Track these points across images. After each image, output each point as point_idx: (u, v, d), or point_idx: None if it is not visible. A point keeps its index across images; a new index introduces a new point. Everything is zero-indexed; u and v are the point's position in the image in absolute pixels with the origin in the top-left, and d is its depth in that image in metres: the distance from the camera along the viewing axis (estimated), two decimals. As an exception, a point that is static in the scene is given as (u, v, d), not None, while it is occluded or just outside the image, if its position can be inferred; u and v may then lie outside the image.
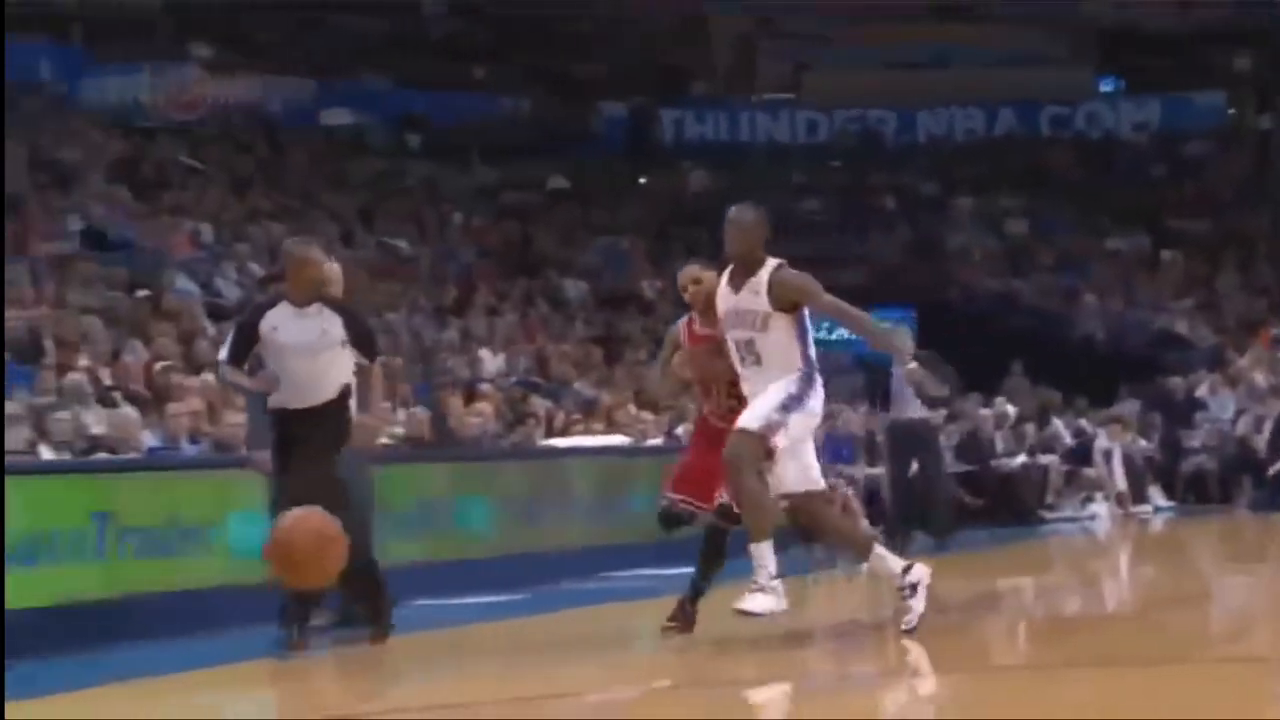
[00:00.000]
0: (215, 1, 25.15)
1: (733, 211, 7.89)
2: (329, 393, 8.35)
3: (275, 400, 8.41)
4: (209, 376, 12.79)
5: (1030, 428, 19.68)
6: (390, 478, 10.47)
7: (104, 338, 14.11)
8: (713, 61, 30.41)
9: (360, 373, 8.45)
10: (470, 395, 15.90)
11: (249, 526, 10.01)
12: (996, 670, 7.36)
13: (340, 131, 25.92)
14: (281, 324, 8.36)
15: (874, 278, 24.81)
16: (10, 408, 11.07)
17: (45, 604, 8.95)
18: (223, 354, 9.08)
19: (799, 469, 7.59)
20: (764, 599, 7.40)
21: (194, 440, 11.71)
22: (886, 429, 15.43)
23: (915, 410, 14.65)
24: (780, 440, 7.48)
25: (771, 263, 7.74)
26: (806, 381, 7.63)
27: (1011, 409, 19.78)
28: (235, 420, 11.66)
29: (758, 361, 7.62)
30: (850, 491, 16.22)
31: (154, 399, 12.55)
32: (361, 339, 8.46)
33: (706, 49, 30.29)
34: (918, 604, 7.57)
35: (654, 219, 26.78)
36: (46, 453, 10.34)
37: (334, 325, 8.36)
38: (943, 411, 16.74)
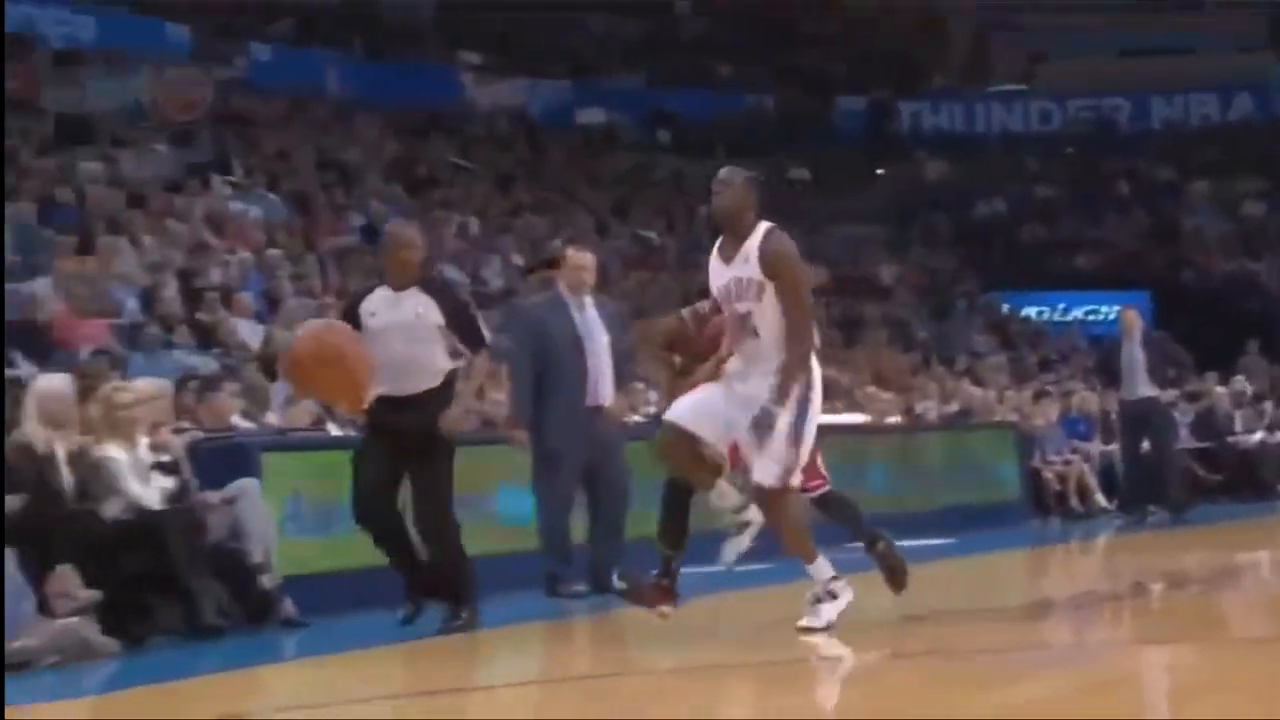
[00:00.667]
0: (481, 10, 25.64)
1: (723, 172, 7.11)
2: (429, 380, 7.71)
3: (376, 387, 7.75)
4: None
5: (1269, 405, 19.07)
6: (641, 453, 10.53)
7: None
8: (949, 55, 30.03)
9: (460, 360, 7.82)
10: (718, 376, 15.94)
11: (514, 498, 10.24)
12: (1235, 641, 7.16)
13: (595, 130, 26.21)
14: (378, 308, 7.76)
15: (1110, 263, 24.30)
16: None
17: (332, 569, 9.16)
18: None
19: (782, 467, 6.96)
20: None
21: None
22: (1119, 407, 15.19)
23: (1145, 389, 14.38)
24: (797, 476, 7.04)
25: (762, 227, 6.97)
26: (805, 379, 6.96)
27: (1249, 387, 19.20)
28: (499, 398, 11.91)
29: (755, 335, 6.88)
30: (1086, 468, 16.00)
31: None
32: (461, 324, 7.82)
33: (943, 43, 29.94)
34: (827, 611, 7.09)
35: (891, 207, 26.55)
36: (334, 430, 10.62)
37: (430, 308, 7.71)
38: (1173, 391, 16.38)
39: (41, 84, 18.18)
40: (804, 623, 7.09)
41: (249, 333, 13.32)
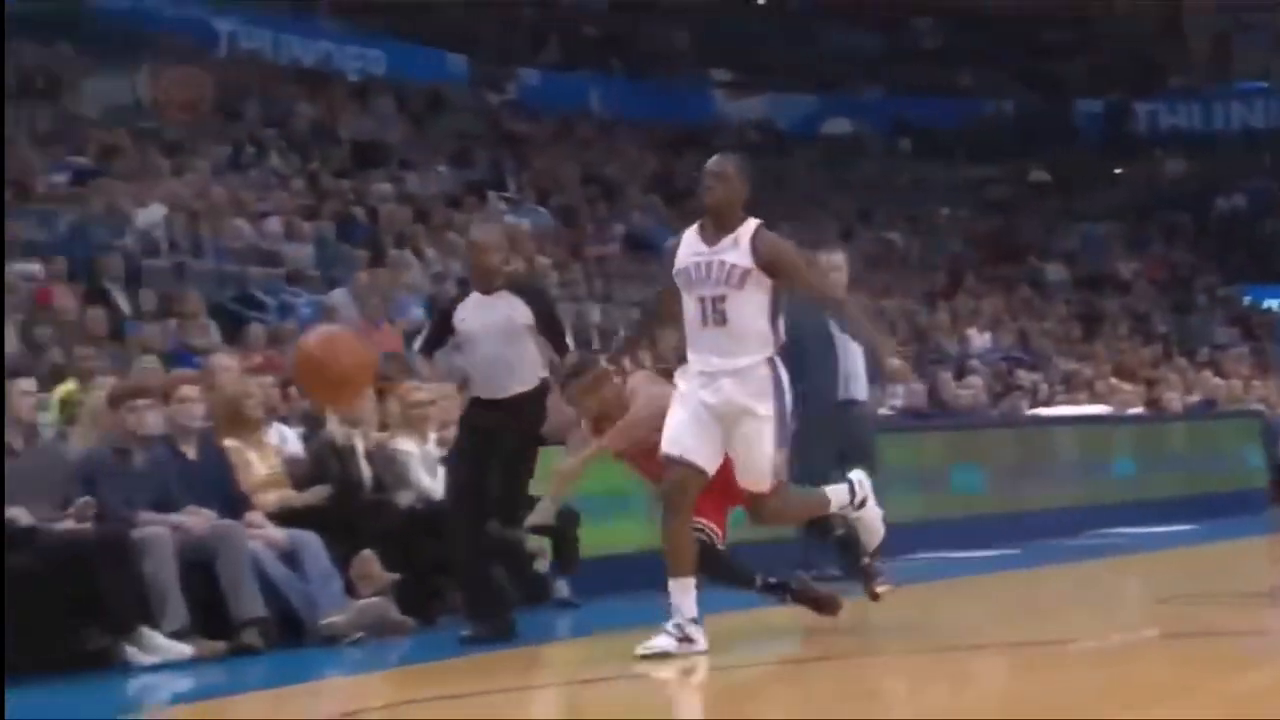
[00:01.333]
0: (731, 30, 25.74)
1: (713, 161, 6.42)
2: (524, 383, 7.24)
3: (471, 390, 7.53)
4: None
5: None
6: (891, 444, 10.50)
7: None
8: (1188, 54, 29.08)
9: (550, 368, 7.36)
10: (961, 370, 15.78)
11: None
12: None
13: (839, 139, 26.10)
14: (469, 313, 7.30)
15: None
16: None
17: (601, 553, 9.21)
18: (416, 343, 8.10)
19: (771, 470, 6.34)
20: (665, 640, 6.27)
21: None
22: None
23: None
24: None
25: (753, 221, 6.31)
26: (778, 380, 6.31)
27: None
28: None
29: (722, 322, 6.20)
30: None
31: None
32: (549, 326, 7.34)
33: (1182, 43, 29.00)
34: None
35: (1130, 206, 25.83)
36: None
37: (519, 310, 7.21)
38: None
39: (339, 112, 18.85)
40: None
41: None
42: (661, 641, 6.22)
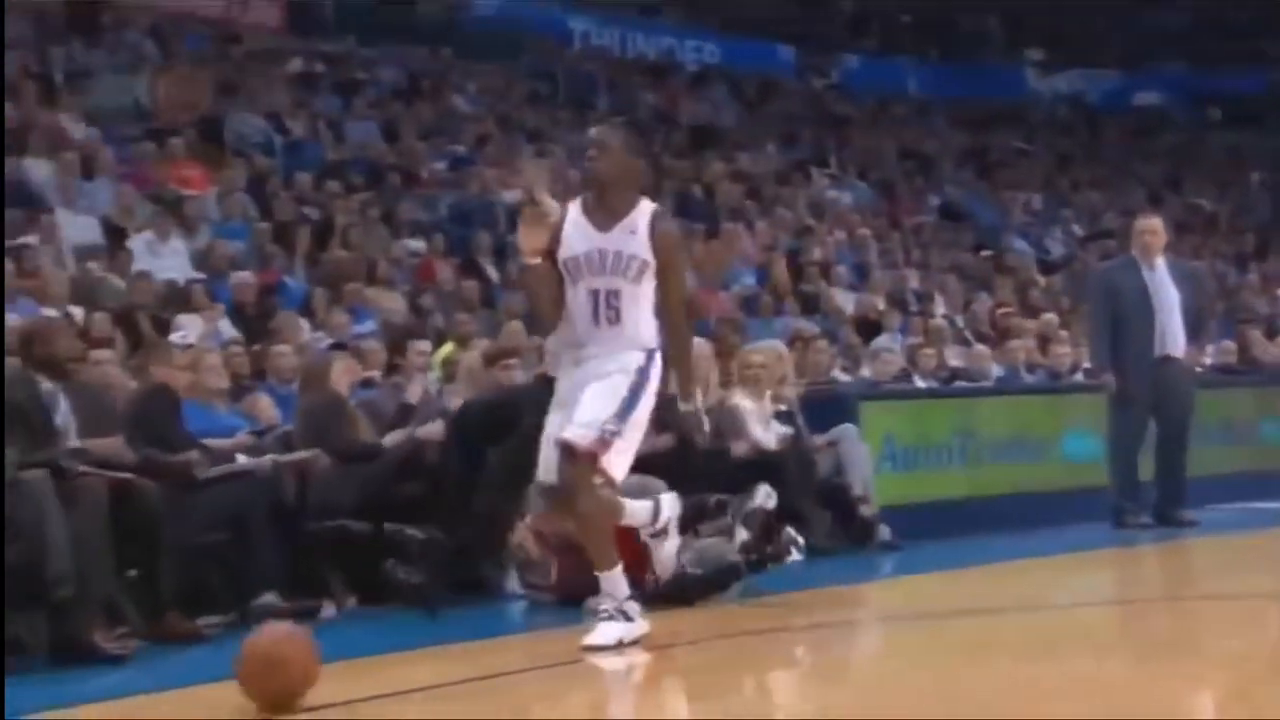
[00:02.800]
0: (1042, 11, 24.82)
1: (595, 132, 5.24)
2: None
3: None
4: (1046, 318, 12.80)
5: None
6: (1203, 399, 9.95)
7: (957, 290, 14.35)
8: None
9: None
10: (1270, 329, 14.85)
11: (1081, 440, 9.92)
12: None
13: (1148, 111, 24.88)
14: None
15: None
16: (886, 343, 11.49)
17: (921, 501, 9.18)
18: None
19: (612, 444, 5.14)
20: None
21: (1030, 370, 11.66)
22: None
23: None
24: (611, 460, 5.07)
25: (648, 205, 5.12)
26: (649, 371, 5.09)
27: None
28: (1062, 351, 11.57)
29: (617, 320, 5.02)
30: None
31: (998, 337, 12.61)
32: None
33: None
34: (611, 630, 5.08)
35: None
36: (919, 382, 10.60)
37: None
38: None
39: (679, 100, 18.99)
40: (589, 641, 5.12)
41: (844, 300, 13.49)
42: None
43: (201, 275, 10.32)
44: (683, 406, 5.36)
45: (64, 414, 5.84)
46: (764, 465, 7.99)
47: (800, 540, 7.37)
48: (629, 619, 5.10)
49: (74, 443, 5.81)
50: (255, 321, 9.74)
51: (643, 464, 7.59)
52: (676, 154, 16.73)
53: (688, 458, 7.85)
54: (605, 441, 4.99)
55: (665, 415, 7.88)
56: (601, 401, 4.99)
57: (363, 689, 4.63)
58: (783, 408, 8.39)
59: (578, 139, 16.30)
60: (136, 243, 10.56)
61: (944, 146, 20.34)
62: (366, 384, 8.10)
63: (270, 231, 11.45)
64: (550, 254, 5.07)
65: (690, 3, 22.75)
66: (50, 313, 8.78)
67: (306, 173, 12.74)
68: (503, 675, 4.88)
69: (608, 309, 4.99)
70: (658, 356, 5.11)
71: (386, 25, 17.71)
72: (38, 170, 11.11)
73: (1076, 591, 7.22)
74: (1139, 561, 8.29)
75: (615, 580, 5.10)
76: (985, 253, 16.03)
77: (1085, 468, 9.68)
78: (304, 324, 9.72)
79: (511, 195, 13.79)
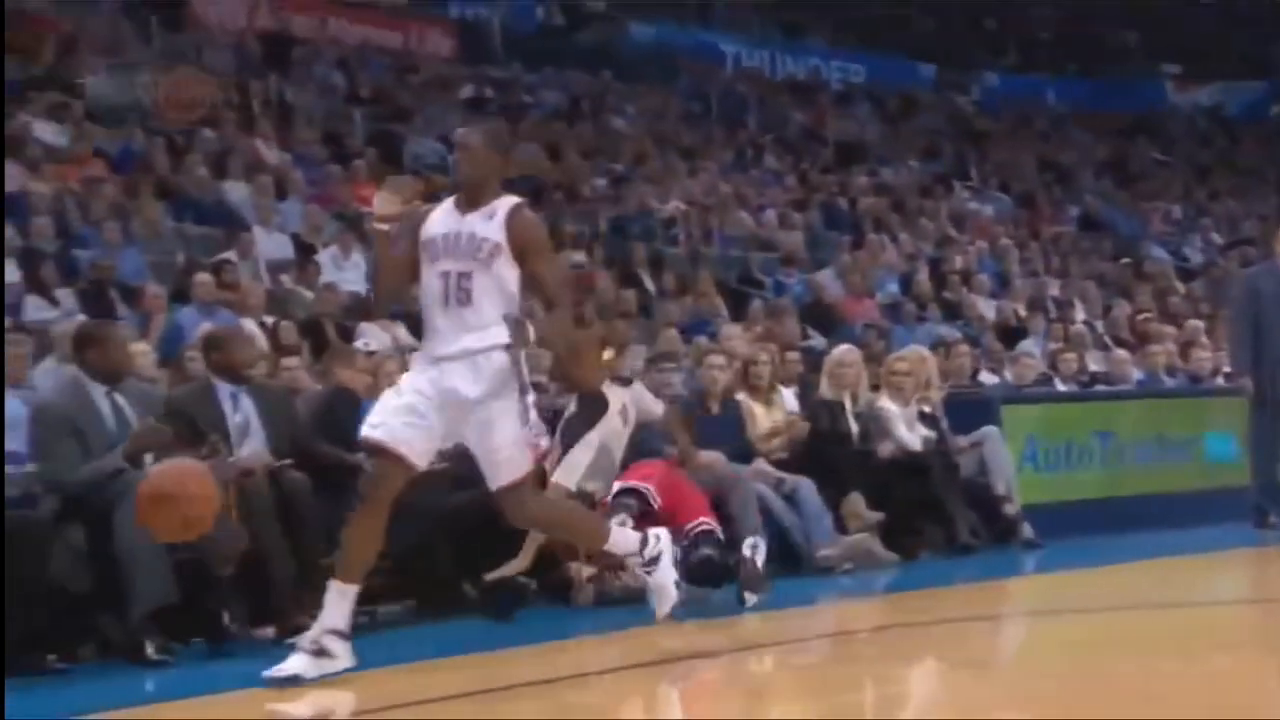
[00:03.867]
0: (1178, 26, 24.12)
1: (460, 134, 5.08)
2: None
3: None
4: (1190, 324, 12.45)
5: None
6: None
7: (1096, 297, 14.02)
8: None
9: None
10: None
11: (1220, 442, 9.61)
12: None
13: (1284, 121, 24.01)
14: None
15: None
16: (1028, 348, 11.25)
17: (1059, 500, 8.98)
18: None
19: (523, 455, 4.78)
20: (300, 660, 4.59)
21: (1170, 374, 11.33)
22: None
23: None
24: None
25: (512, 198, 4.88)
26: (517, 371, 4.71)
27: None
28: (1203, 356, 11.22)
29: (466, 301, 4.71)
30: None
31: (1137, 342, 12.28)
32: None
33: None
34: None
35: None
36: (1060, 385, 10.37)
37: None
38: None
39: (826, 117, 18.87)
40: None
41: (986, 307, 13.27)
42: (293, 663, 4.56)
43: (381, 287, 10.53)
44: (579, 374, 4.99)
45: (245, 414, 5.98)
46: (909, 465, 7.92)
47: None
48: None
49: (255, 441, 5.93)
50: (430, 329, 9.90)
51: (795, 462, 7.58)
52: (823, 169, 16.62)
53: (838, 456, 7.80)
54: (529, 458, 4.74)
55: (815, 413, 7.89)
56: (497, 436, 4.68)
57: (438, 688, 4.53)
58: (926, 409, 8.27)
59: (730, 156, 16.33)
60: (323, 257, 10.83)
61: (1083, 158, 19.87)
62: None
63: (444, 246, 11.63)
64: (412, 244, 4.83)
65: (836, 25, 22.61)
66: (248, 322, 9.08)
67: (476, 191, 12.90)
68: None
69: (458, 290, 4.72)
70: (515, 354, 4.69)
71: (550, 52, 17.91)
72: (236, 192, 11.46)
73: (1215, 590, 7.00)
74: (1278, 561, 8.00)
75: (626, 540, 4.90)
76: (1124, 260, 15.63)
77: (1225, 468, 9.39)
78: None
79: (668, 210, 13.87)
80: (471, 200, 4.81)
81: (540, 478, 5.25)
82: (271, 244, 10.90)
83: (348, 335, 9.37)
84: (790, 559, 7.27)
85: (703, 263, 12.97)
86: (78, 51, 13.02)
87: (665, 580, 4.92)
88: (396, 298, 4.99)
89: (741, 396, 7.70)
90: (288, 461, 5.91)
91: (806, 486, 7.42)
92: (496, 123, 6.06)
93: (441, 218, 4.82)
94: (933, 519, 7.94)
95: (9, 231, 9.49)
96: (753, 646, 5.58)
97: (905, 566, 7.48)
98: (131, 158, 11.47)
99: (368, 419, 4.76)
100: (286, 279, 10.44)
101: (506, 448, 4.67)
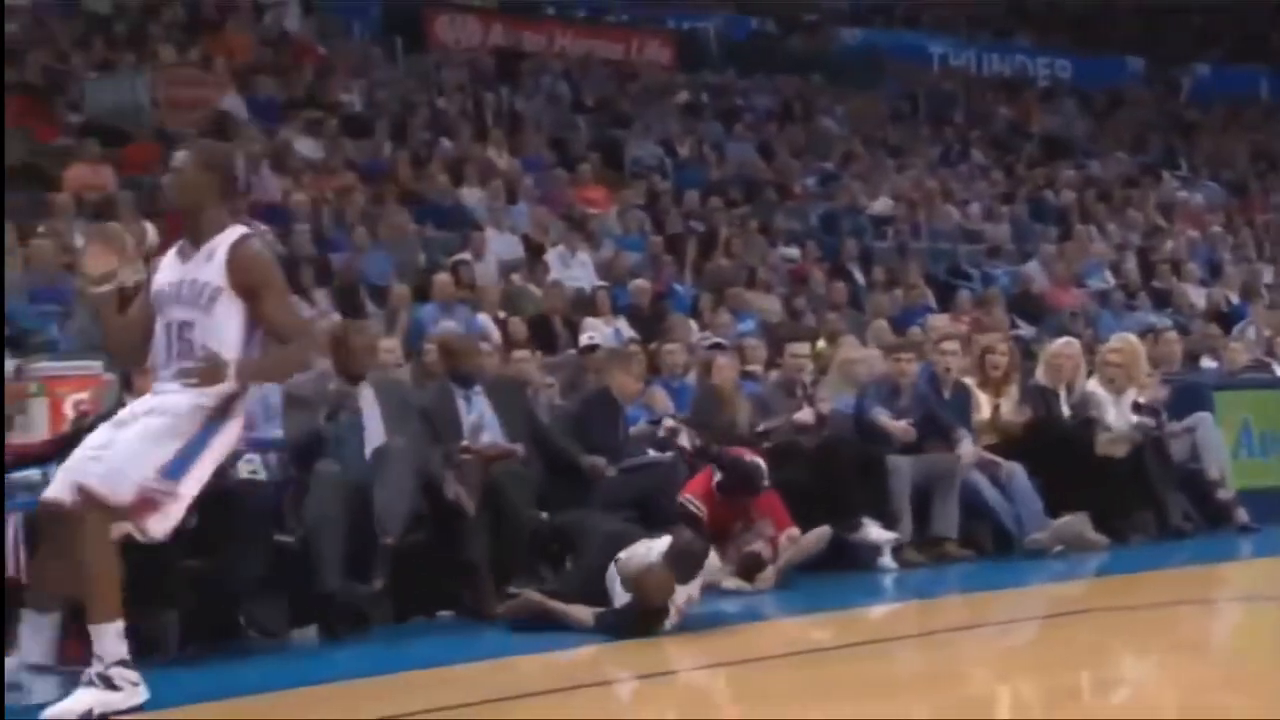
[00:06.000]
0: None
1: (175, 157, 4.30)
2: None
3: None
4: None
5: None
6: None
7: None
8: None
9: None
10: None
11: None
12: None
13: None
14: None
15: None
16: (1241, 334, 10.68)
17: (1275, 486, 8.48)
18: None
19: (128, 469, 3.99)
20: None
21: None
22: None
23: None
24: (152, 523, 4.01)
25: (235, 230, 4.18)
26: (221, 415, 4.09)
27: None
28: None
29: (189, 351, 4.10)
30: None
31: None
32: None
33: None
34: (85, 698, 3.90)
35: None
36: (1277, 371, 9.83)
37: None
38: None
39: (1032, 113, 18.32)
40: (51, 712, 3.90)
41: (1196, 295, 12.71)
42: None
43: (604, 283, 10.66)
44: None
45: (479, 411, 6.12)
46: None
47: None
48: (114, 687, 3.95)
49: (489, 436, 6.06)
50: (650, 323, 9.98)
51: (1008, 448, 7.33)
52: (1029, 164, 16.13)
53: (1049, 439, 7.54)
54: (153, 503, 3.99)
55: (1030, 400, 7.61)
56: (150, 449, 4.01)
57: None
58: (1143, 398, 7.91)
59: (936, 152, 15.98)
60: (551, 256, 11.02)
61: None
62: (747, 376, 8.14)
63: (662, 244, 11.73)
64: (137, 290, 4.29)
65: (1042, 23, 21.90)
66: (483, 318, 9.28)
67: (693, 190, 12.98)
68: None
69: (180, 341, 4.13)
70: (238, 399, 4.13)
71: (762, 57, 17.82)
72: (471, 197, 11.75)
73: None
74: None
75: (108, 637, 3.95)
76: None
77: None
78: (692, 325, 9.89)
79: (878, 205, 13.66)
80: (193, 237, 4.18)
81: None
82: (503, 244, 11.14)
83: (574, 329, 9.52)
84: (1003, 543, 7.06)
85: (911, 256, 12.73)
86: (334, 73, 13.56)
87: (89, 700, 3.91)
88: (138, 356, 4.31)
89: (971, 382, 7.49)
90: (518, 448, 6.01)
91: (1019, 472, 7.19)
92: (213, 140, 5.45)
93: (168, 264, 4.22)
94: (1145, 504, 7.60)
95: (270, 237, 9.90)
96: (963, 628, 5.44)
97: (1116, 551, 7.17)
98: (379, 168, 11.89)
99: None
100: (517, 277, 10.66)
101: (122, 457, 3.96)
